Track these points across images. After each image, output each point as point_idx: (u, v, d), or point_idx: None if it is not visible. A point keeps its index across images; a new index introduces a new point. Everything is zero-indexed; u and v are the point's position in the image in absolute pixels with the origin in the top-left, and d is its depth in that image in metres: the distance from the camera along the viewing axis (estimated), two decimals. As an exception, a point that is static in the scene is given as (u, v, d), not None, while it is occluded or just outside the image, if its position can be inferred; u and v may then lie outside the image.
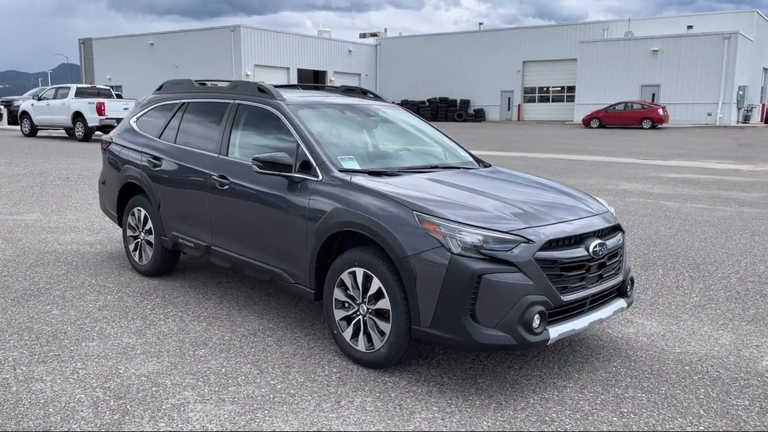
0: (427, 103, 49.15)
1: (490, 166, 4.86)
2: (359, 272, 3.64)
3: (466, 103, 49.39)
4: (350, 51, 52.09)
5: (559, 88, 47.89)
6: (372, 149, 4.73)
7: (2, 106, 32.40)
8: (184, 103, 5.30)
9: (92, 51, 51.01)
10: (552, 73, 47.57)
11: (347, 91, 5.55)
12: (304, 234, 3.95)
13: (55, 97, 22.50)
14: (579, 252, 3.48)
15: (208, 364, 3.73)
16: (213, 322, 4.43)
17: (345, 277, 3.72)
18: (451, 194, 3.75)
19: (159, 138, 5.37)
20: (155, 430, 3.00)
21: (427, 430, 3.03)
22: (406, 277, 3.38)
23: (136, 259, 5.57)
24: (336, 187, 3.85)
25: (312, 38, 49.72)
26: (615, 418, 3.17)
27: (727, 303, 4.99)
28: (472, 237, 3.28)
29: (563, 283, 3.41)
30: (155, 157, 5.26)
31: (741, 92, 39.99)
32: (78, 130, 21.22)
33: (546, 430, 3.05)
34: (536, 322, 3.25)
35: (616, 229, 3.92)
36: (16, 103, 29.53)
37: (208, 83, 5.32)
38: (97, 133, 20.94)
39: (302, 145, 4.15)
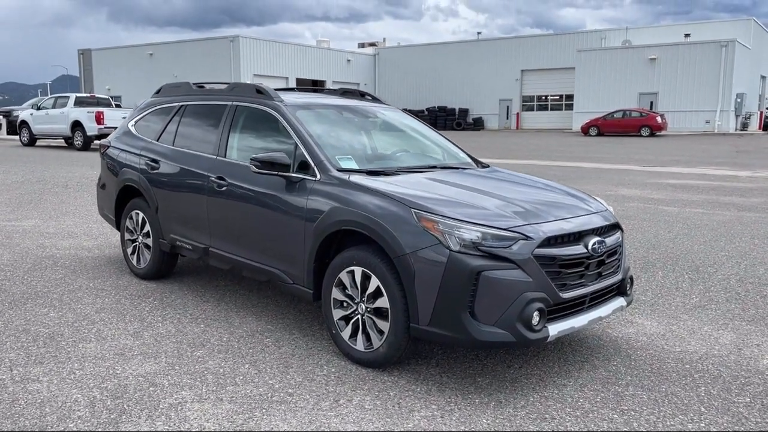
0: (426, 112, 49.20)
1: (488, 166, 4.86)
2: (358, 271, 3.62)
3: (464, 112, 49.50)
4: (349, 60, 52.25)
5: (558, 97, 48.04)
6: (370, 150, 4.73)
7: (1, 116, 32.40)
8: (182, 105, 5.30)
9: (91, 62, 51.15)
10: (550, 82, 47.73)
11: (345, 93, 5.55)
12: (302, 234, 3.93)
13: (54, 107, 22.50)
14: (578, 249, 3.47)
15: (206, 364, 3.71)
16: (211, 323, 4.41)
17: (343, 276, 3.71)
18: (450, 192, 3.74)
19: (157, 141, 5.36)
20: (152, 429, 2.97)
21: (427, 428, 3.01)
22: (405, 275, 3.36)
23: (134, 262, 5.55)
24: (334, 186, 3.84)
25: (311, 48, 49.88)
26: (615, 416, 3.15)
27: (727, 303, 4.98)
28: (471, 234, 3.27)
29: (562, 281, 3.39)
30: (153, 160, 5.25)
31: (739, 100, 40.13)
32: (77, 139, 21.22)
33: (546, 427, 3.03)
34: (535, 319, 3.23)
35: (615, 227, 3.91)
36: (15, 113, 29.53)
37: (206, 86, 5.32)
38: (96, 142, 20.96)
39: (300, 146, 4.14)
